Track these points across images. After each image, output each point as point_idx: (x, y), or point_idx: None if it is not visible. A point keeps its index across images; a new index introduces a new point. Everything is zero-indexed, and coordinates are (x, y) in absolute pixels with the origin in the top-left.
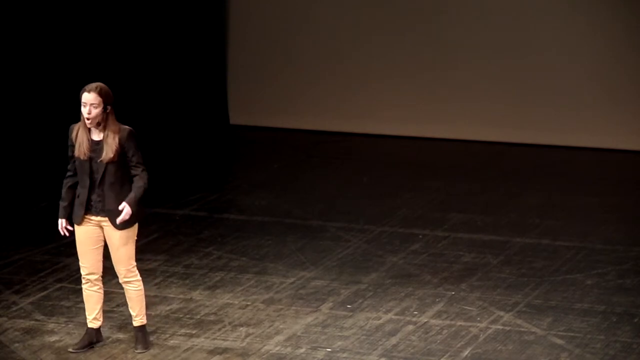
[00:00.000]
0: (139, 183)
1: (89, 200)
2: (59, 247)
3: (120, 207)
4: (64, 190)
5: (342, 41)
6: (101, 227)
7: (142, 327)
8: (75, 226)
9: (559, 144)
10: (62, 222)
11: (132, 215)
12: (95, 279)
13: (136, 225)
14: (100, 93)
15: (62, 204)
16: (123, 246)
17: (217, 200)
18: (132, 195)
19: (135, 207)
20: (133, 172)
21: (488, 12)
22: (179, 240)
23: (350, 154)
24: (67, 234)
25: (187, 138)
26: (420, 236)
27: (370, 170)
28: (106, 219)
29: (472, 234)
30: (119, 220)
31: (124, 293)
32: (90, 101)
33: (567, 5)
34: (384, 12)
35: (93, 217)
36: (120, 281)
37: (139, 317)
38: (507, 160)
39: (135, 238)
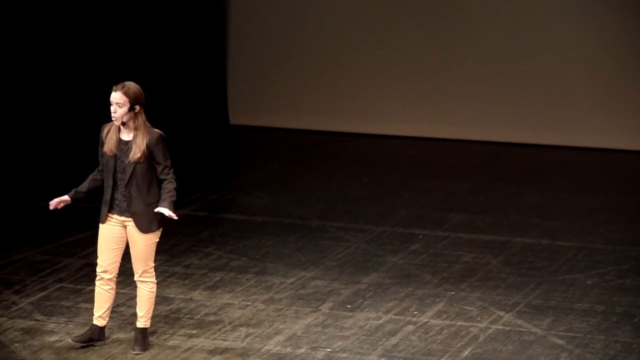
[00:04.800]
0: (170, 187)
1: (112, 199)
2: (59, 247)
3: (163, 211)
4: (87, 180)
5: (341, 41)
6: (124, 227)
7: (144, 330)
8: (100, 225)
9: (559, 144)
10: (61, 197)
11: (158, 220)
12: (109, 279)
13: (160, 230)
14: (127, 93)
15: (78, 188)
16: (144, 247)
17: (217, 200)
18: (167, 201)
19: (173, 208)
20: (162, 176)
21: (488, 12)
22: (179, 240)
23: (350, 154)
24: (55, 206)
25: (187, 138)
26: (420, 236)
27: (370, 170)
28: (130, 219)
29: (472, 234)
30: (168, 214)
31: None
32: (115, 100)
33: (567, 5)
34: (384, 13)
35: (116, 216)
36: (135, 279)
37: (143, 319)
38: (507, 160)
39: (157, 240)
